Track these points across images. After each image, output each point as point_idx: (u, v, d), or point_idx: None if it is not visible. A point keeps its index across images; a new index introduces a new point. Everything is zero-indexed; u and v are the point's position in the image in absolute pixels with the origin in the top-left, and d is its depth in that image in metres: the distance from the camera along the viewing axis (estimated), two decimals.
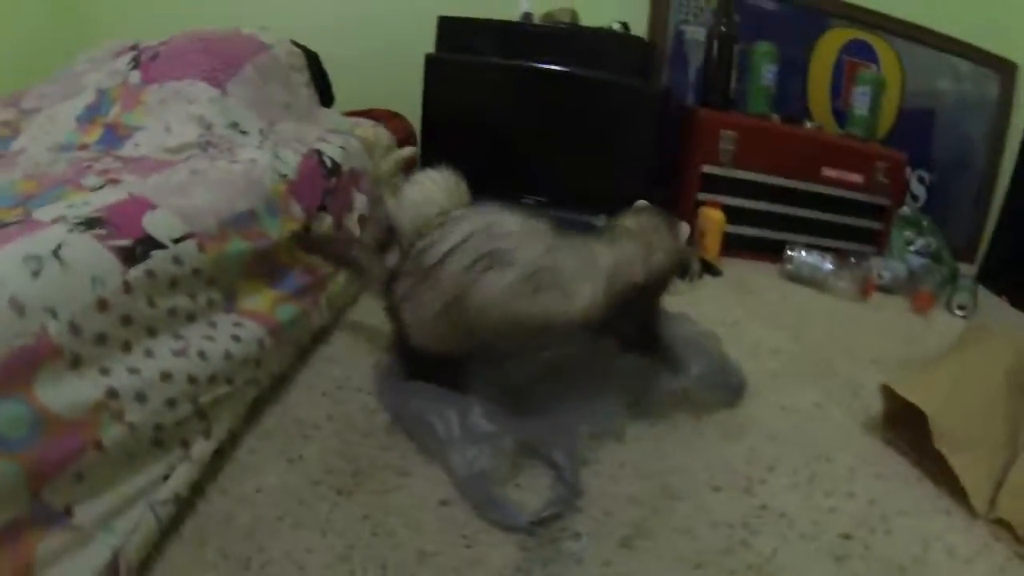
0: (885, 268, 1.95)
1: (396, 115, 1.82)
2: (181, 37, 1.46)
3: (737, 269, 1.88)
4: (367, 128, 1.52)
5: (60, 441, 0.61)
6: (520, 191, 1.66)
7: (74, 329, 0.67)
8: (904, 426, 1.11)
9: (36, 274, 0.67)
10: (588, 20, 1.96)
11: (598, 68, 1.78)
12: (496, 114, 1.78)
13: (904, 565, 0.84)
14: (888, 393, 1.12)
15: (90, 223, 0.78)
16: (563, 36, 1.86)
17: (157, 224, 0.83)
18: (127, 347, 0.73)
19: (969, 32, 2.37)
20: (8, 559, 0.55)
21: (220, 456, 0.84)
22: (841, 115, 2.21)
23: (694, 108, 1.95)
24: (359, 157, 1.38)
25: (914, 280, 1.95)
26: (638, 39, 1.96)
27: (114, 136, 1.37)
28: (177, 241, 0.83)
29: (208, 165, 1.08)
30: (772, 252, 1.93)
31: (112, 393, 0.68)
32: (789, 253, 1.87)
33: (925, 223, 2.15)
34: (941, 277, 2.01)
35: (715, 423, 1.09)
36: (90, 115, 1.43)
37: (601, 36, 1.88)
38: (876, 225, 2.07)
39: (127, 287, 0.75)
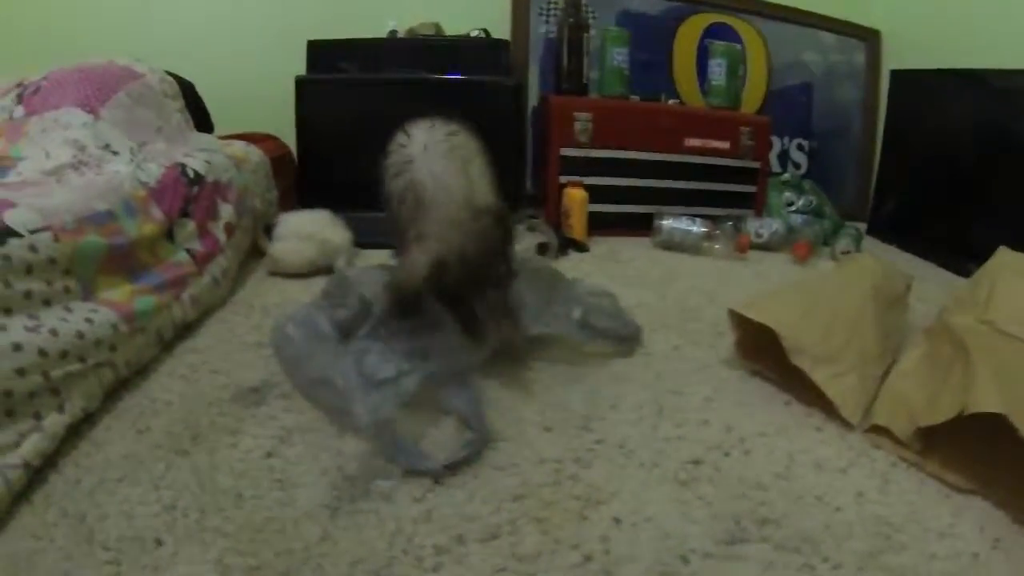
0: (762, 226, 2.19)
1: (269, 136, 2.11)
2: (60, 70, 1.73)
3: (608, 245, 2.11)
4: (237, 147, 1.80)
5: None
6: None
7: None
8: (767, 354, 1.11)
9: None
10: (453, 32, 2.28)
11: (460, 72, 2.09)
12: (366, 127, 2.04)
13: (763, 482, 0.86)
14: (738, 320, 1.15)
15: None
16: (425, 47, 2.17)
17: (16, 218, 1.07)
18: None
19: (830, 6, 2.75)
20: None
21: (77, 436, 0.96)
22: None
23: (548, 95, 2.24)
24: (225, 170, 1.64)
25: (793, 235, 2.17)
26: (494, 41, 2.26)
27: (1, 168, 1.64)
28: (33, 232, 1.09)
29: (75, 177, 1.35)
30: (647, 227, 2.18)
31: None
32: (658, 222, 2.13)
33: (807, 186, 2.41)
34: (822, 229, 2.25)
35: (557, 370, 1.17)
36: None
37: (460, 43, 2.20)
38: (749, 188, 2.34)
39: None
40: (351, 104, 2.06)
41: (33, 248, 1.05)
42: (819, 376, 1.02)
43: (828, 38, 2.76)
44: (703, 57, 2.53)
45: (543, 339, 1.23)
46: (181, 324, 1.35)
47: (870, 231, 2.54)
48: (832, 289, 1.30)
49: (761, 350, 1.14)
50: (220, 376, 1.19)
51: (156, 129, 1.69)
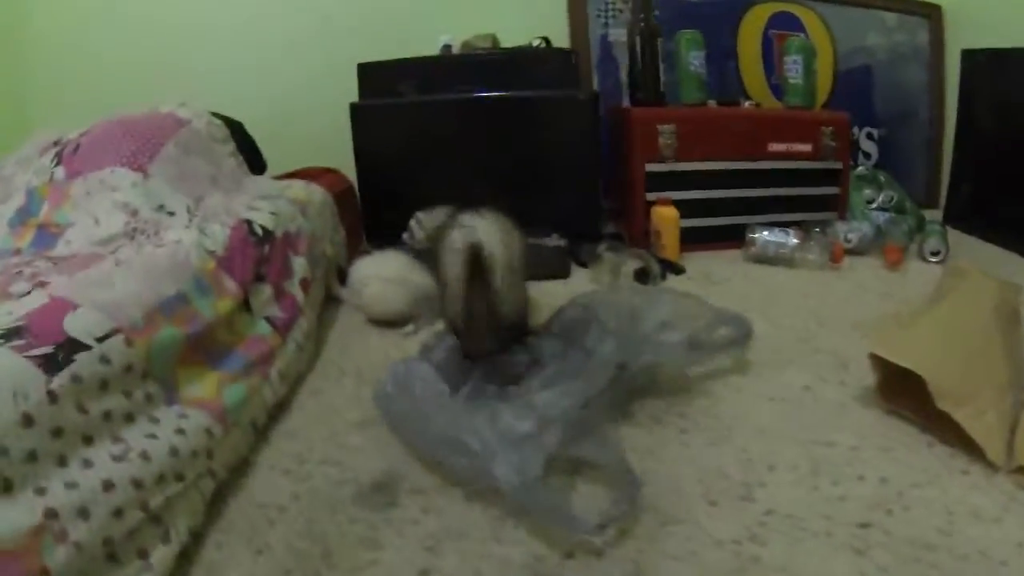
0: (850, 231, 1.95)
1: (329, 170, 1.86)
2: (100, 125, 1.49)
3: (700, 262, 1.88)
4: (298, 188, 1.55)
5: (2, 572, 0.60)
6: None
7: (0, 451, 0.68)
8: (902, 390, 1.06)
9: None
10: (509, 42, 2.02)
11: (525, 87, 1.83)
12: (429, 152, 1.82)
13: (931, 542, 0.80)
14: (878, 361, 1.08)
15: (9, 335, 0.79)
16: (485, 62, 1.91)
17: (79, 324, 0.84)
18: (62, 461, 0.73)
19: None
20: None
21: (185, 558, 0.82)
22: (778, 90, 2.26)
23: (626, 108, 1.99)
24: (292, 219, 1.40)
25: (882, 236, 1.95)
26: (558, 50, 2.01)
27: (46, 236, 1.40)
28: (102, 339, 0.85)
29: (133, 253, 1.11)
30: (733, 238, 1.94)
31: (51, 514, 0.67)
32: (751, 236, 1.88)
33: (882, 178, 2.17)
34: (908, 227, 2.01)
35: (701, 428, 1.06)
36: (21, 218, 1.46)
37: (522, 54, 1.93)
38: (832, 190, 2.08)
39: (52, 397, 0.75)
40: (411, 129, 1.82)
41: (105, 359, 0.83)
42: (962, 417, 0.96)
43: (890, 18, 2.47)
44: (767, 49, 2.26)
45: (651, 369, 1.15)
46: (273, 406, 1.12)
47: (946, 220, 2.27)
48: (959, 318, 1.22)
49: (894, 386, 1.08)
50: (331, 468, 1.00)
51: (210, 179, 1.45)
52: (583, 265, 1.79)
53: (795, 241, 1.87)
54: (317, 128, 2.03)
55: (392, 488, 0.93)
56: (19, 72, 2.19)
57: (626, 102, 2.16)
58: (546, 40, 1.98)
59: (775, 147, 1.99)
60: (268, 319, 1.18)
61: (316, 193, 1.58)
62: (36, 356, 0.78)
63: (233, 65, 2.17)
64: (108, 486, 0.73)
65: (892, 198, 2.13)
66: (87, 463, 0.74)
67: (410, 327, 1.46)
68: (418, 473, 0.96)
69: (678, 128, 1.88)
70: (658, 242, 1.86)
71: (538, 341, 1.17)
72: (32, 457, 0.70)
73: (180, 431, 0.87)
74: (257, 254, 1.22)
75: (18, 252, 1.38)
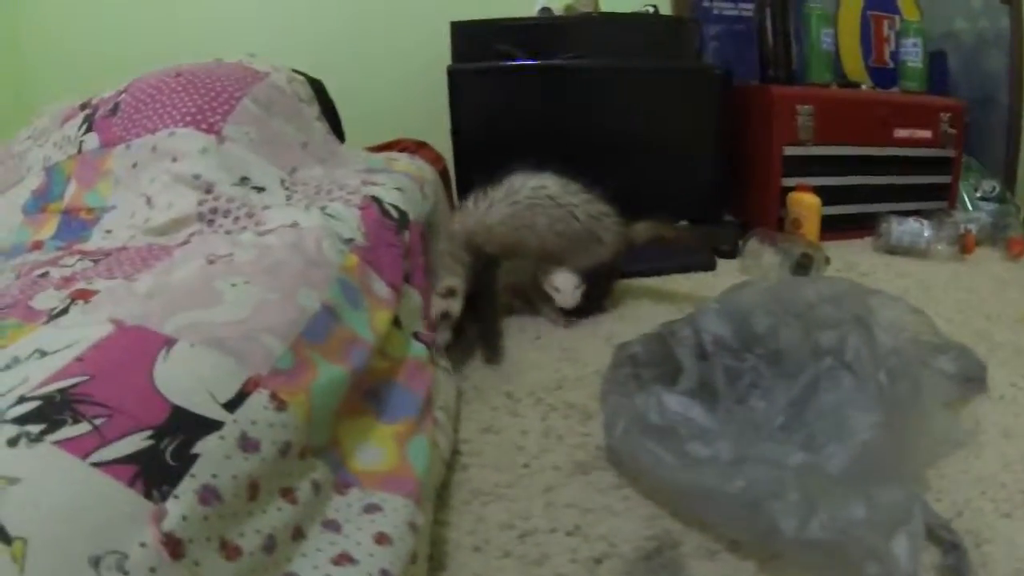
0: (969, 222, 1.64)
1: (424, 144, 1.38)
2: (147, 77, 1.00)
3: (835, 252, 1.51)
4: (406, 163, 1.08)
5: None
6: None
7: None
8: None
9: None
10: (608, 8, 1.56)
11: (634, 56, 1.39)
12: (538, 124, 1.36)
13: None
14: None
15: (53, 410, 0.33)
16: (592, 27, 1.45)
17: (185, 379, 0.38)
18: None
19: None
20: None
21: None
22: (875, 72, 1.89)
23: (763, 86, 1.58)
24: (418, 201, 0.93)
25: (997, 227, 1.65)
26: (679, 19, 1.58)
27: (75, 224, 0.92)
28: (234, 404, 0.39)
29: (228, 245, 0.63)
30: (857, 226, 1.58)
31: None
32: (884, 225, 1.53)
33: (974, 166, 1.87)
34: (1018, 218, 1.72)
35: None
36: (39, 203, 0.99)
37: (636, 22, 1.48)
38: (945, 179, 1.73)
39: (174, 546, 0.31)
40: (519, 98, 1.35)
41: (249, 443, 0.38)
42: None
43: (976, 2, 2.10)
44: (865, 31, 1.86)
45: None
46: (448, 457, 0.66)
47: None
48: None
49: None
50: (572, 540, 0.59)
51: (301, 146, 0.97)
52: (723, 255, 1.37)
53: (929, 232, 1.53)
54: (394, 94, 1.54)
55: (669, 555, 0.57)
56: (19, 43, 1.64)
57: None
58: (654, 7, 1.54)
59: (900, 133, 1.61)
60: (417, 335, 0.71)
61: (426, 169, 1.11)
62: (119, 461, 0.32)
63: (281, 16, 1.65)
64: None
65: (995, 188, 1.83)
66: None
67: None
68: (691, 529, 0.61)
69: (817, 109, 1.47)
70: (795, 231, 1.45)
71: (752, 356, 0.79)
72: None
73: (383, 540, 0.43)
74: (399, 244, 0.75)
75: (38, 246, 0.90)
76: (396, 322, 0.67)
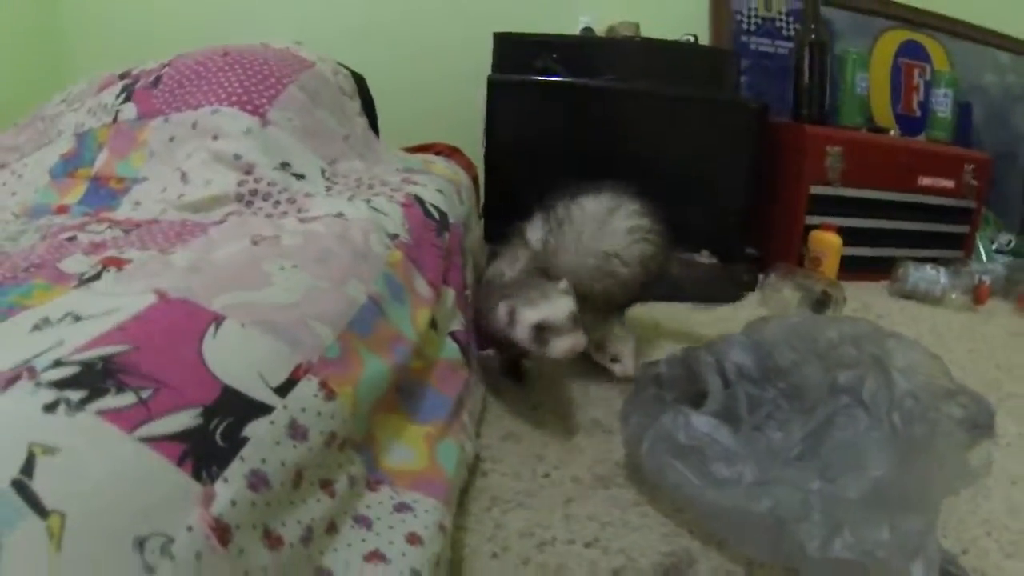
0: (984, 272, 1.65)
1: (457, 150, 1.36)
2: (193, 54, 0.98)
3: (851, 293, 1.50)
4: (442, 166, 1.06)
5: None
6: None
7: None
8: None
9: None
10: (647, 35, 1.56)
11: (676, 84, 1.39)
12: (571, 141, 1.35)
13: None
14: None
15: (94, 377, 0.31)
16: (632, 50, 1.45)
17: (235, 358, 0.36)
18: None
19: (1007, 22, 2.09)
20: None
21: None
22: (903, 120, 1.90)
23: (796, 124, 1.57)
24: (456, 204, 0.91)
25: (1011, 280, 1.66)
26: (718, 51, 1.59)
27: (103, 192, 0.90)
28: (284, 389, 0.37)
29: (272, 227, 0.61)
30: (872, 268, 1.57)
31: None
32: (900, 270, 1.53)
33: (991, 218, 1.91)
34: None
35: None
36: (68, 168, 0.97)
37: (675, 50, 1.48)
38: (963, 229, 1.74)
39: (222, 533, 0.28)
40: (553, 112, 1.34)
41: (296, 430, 0.36)
42: None
43: (1004, 57, 2.12)
44: (896, 78, 1.87)
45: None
46: (472, 462, 0.64)
47: None
48: None
49: None
50: (591, 551, 0.57)
51: (343, 138, 0.95)
52: (743, 288, 1.35)
53: (945, 280, 1.53)
54: (431, 100, 1.53)
55: (687, 573, 0.56)
56: (58, 19, 1.63)
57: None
58: (694, 37, 1.54)
59: (924, 181, 1.61)
60: (453, 335, 0.69)
61: (462, 174, 1.09)
62: (168, 438, 0.29)
63: (320, 12, 1.63)
64: None
65: (1010, 241, 1.87)
66: None
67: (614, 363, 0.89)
68: (710, 548, 0.60)
69: (845, 151, 1.47)
70: (814, 268, 1.44)
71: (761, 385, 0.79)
72: None
73: (415, 540, 0.40)
74: (440, 245, 0.73)
75: (64, 210, 0.88)
76: (432, 323, 0.65)
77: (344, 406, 0.40)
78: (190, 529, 0.27)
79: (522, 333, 0.66)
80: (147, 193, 0.85)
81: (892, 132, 1.70)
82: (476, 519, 0.59)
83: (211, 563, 0.27)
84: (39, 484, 0.25)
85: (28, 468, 0.25)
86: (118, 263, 0.58)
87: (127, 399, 0.30)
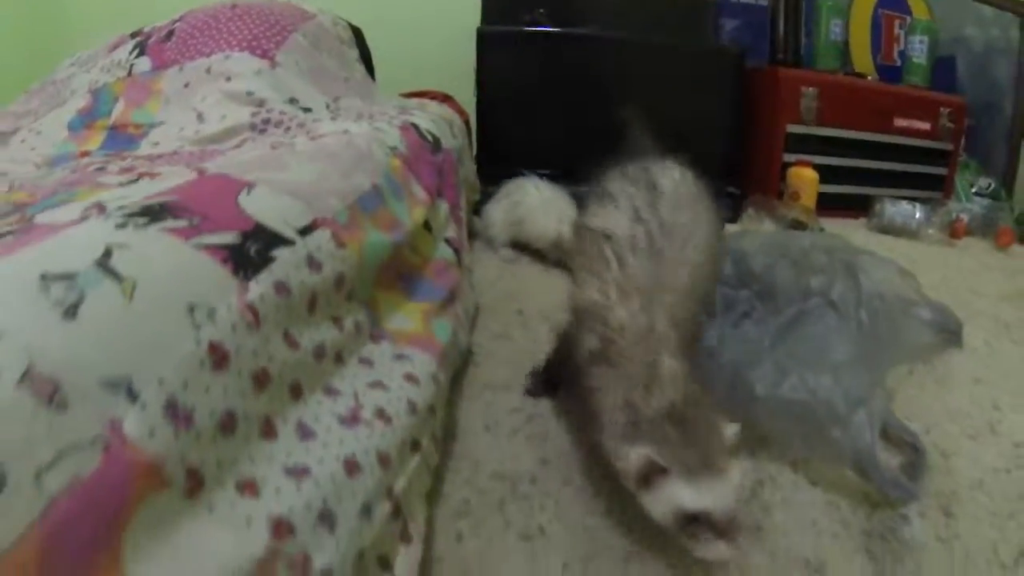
0: (962, 211, 1.72)
1: (449, 97, 1.43)
2: (202, 9, 1.04)
3: (829, 227, 1.58)
4: (436, 107, 1.13)
5: None
6: (588, 172, 1.33)
7: (176, 414, 0.29)
8: None
9: (71, 313, 0.28)
10: None
11: (659, 32, 1.45)
12: (560, 90, 1.41)
13: None
14: None
15: (154, 212, 0.38)
16: (617, 1, 1.50)
17: (265, 207, 0.44)
18: (270, 429, 0.35)
19: None
20: None
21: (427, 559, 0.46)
22: (882, 68, 1.95)
23: (772, 68, 1.64)
24: (449, 136, 0.98)
25: (988, 220, 1.73)
26: (700, 2, 1.63)
27: (122, 137, 0.96)
28: (304, 232, 0.44)
29: (286, 141, 0.68)
30: (848, 207, 1.65)
31: (281, 528, 0.30)
32: (878, 206, 1.60)
33: (973, 166, 1.95)
34: (1012, 214, 1.79)
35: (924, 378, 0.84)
36: (85, 120, 1.02)
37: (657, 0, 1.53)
38: (941, 171, 1.81)
39: (254, 315, 0.36)
40: (540, 62, 1.40)
41: (314, 263, 0.44)
42: None
43: (987, 11, 2.15)
44: (876, 28, 1.92)
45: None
46: (465, 353, 0.72)
47: None
48: None
49: None
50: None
51: (344, 80, 1.02)
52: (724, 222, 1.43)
53: (921, 215, 1.61)
54: (422, 49, 1.58)
55: None
56: None
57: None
58: None
59: (900, 122, 1.68)
60: (448, 241, 0.77)
61: (454, 115, 1.16)
62: (214, 246, 0.37)
63: None
64: (352, 468, 0.37)
65: (990, 185, 1.93)
66: (306, 432, 0.37)
67: None
68: None
69: (820, 92, 1.53)
70: (793, 202, 1.52)
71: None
72: (227, 425, 0.32)
73: (411, 378, 0.48)
74: (434, 162, 0.80)
75: (85, 155, 0.94)
76: (427, 225, 0.73)
77: (351, 256, 0.47)
78: (229, 308, 0.35)
79: (660, 510, 0.45)
80: (165, 134, 0.92)
81: (870, 78, 1.76)
82: (469, 400, 0.67)
83: (243, 335, 0.35)
84: (116, 262, 0.32)
85: (107, 255, 0.32)
86: (151, 175, 0.66)
87: (182, 223, 0.38)
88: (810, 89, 1.53)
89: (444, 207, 0.79)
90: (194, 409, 0.29)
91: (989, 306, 1.14)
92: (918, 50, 1.74)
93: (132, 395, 0.27)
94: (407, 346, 0.53)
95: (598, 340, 0.52)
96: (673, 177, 0.65)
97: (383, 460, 0.38)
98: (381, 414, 0.41)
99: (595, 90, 1.43)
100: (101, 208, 0.40)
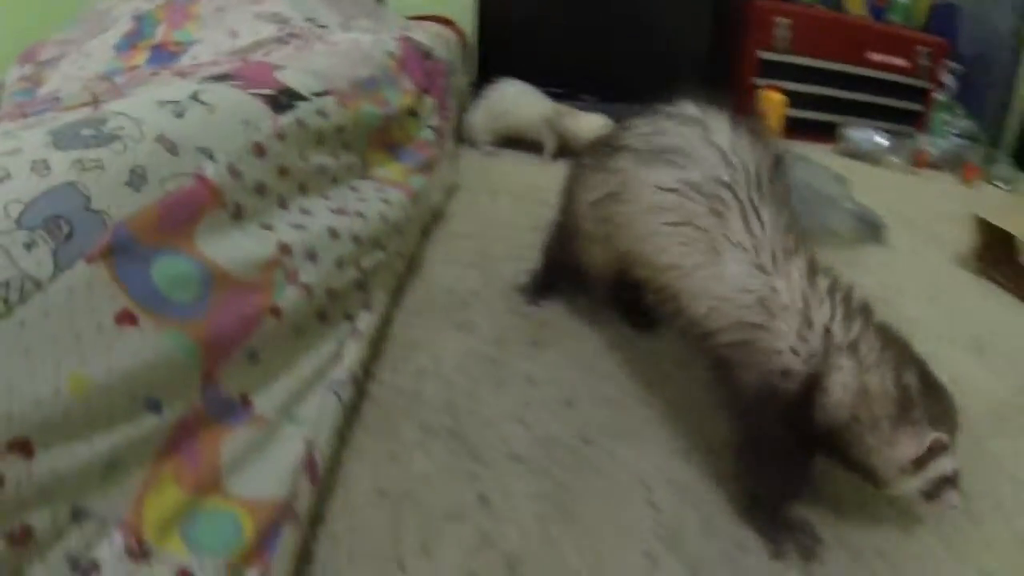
0: (932, 145, 1.80)
1: (450, 21, 1.57)
2: None
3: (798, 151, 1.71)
4: (435, 27, 1.28)
5: (234, 306, 0.43)
6: (579, 89, 1.50)
7: (234, 172, 0.48)
8: (996, 261, 1.05)
9: (180, 115, 0.47)
10: None
11: None
12: (552, 13, 1.54)
13: None
14: (981, 226, 1.06)
15: (220, 77, 0.56)
16: None
17: (292, 79, 0.62)
18: (283, 203, 0.55)
19: None
20: (188, 465, 0.37)
21: (378, 336, 0.67)
22: (876, 10, 1.99)
23: None
24: (444, 49, 1.14)
25: (959, 157, 1.81)
26: None
27: (164, 54, 1.11)
28: (318, 96, 0.62)
29: (306, 47, 0.85)
30: (820, 133, 1.76)
31: (285, 249, 0.50)
32: (845, 131, 1.72)
33: (958, 110, 1.97)
34: (983, 155, 1.86)
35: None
36: (131, 41, 1.16)
37: None
38: (917, 107, 1.89)
39: (281, 134, 0.54)
40: None
41: (323, 113, 0.63)
42: None
43: None
44: None
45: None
46: (437, 211, 0.94)
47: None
48: None
49: (991, 257, 1.07)
50: (516, 262, 0.84)
51: (352, 3, 1.17)
52: None
53: (886, 142, 1.72)
54: None
55: None
56: None
57: None
58: None
59: (874, 56, 1.77)
60: (432, 127, 0.95)
61: (451, 36, 1.31)
62: (260, 95, 0.55)
63: None
64: (333, 234, 0.57)
65: (968, 128, 1.95)
66: (306, 211, 0.57)
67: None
68: None
69: (793, 23, 1.65)
70: None
71: None
72: (260, 190, 0.52)
73: (386, 201, 0.69)
74: (424, 66, 0.97)
75: (134, 68, 1.10)
76: (413, 112, 0.90)
77: (350, 115, 0.67)
78: (267, 127, 0.53)
79: (917, 485, 0.44)
80: (202, 51, 1.08)
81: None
82: (434, 244, 0.89)
83: (273, 143, 0.53)
84: (201, 96, 0.50)
85: (196, 93, 0.50)
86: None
87: (239, 83, 0.56)
88: (784, 19, 1.64)
89: (430, 101, 0.97)
90: (242, 174, 0.48)
91: (930, 222, 1.27)
92: None
93: (211, 157, 0.46)
94: (387, 186, 0.72)
95: (792, 344, 0.46)
96: (716, 114, 0.58)
97: (356, 239, 0.59)
98: (360, 214, 0.62)
99: (585, 14, 1.56)
100: (183, 75, 0.58)
